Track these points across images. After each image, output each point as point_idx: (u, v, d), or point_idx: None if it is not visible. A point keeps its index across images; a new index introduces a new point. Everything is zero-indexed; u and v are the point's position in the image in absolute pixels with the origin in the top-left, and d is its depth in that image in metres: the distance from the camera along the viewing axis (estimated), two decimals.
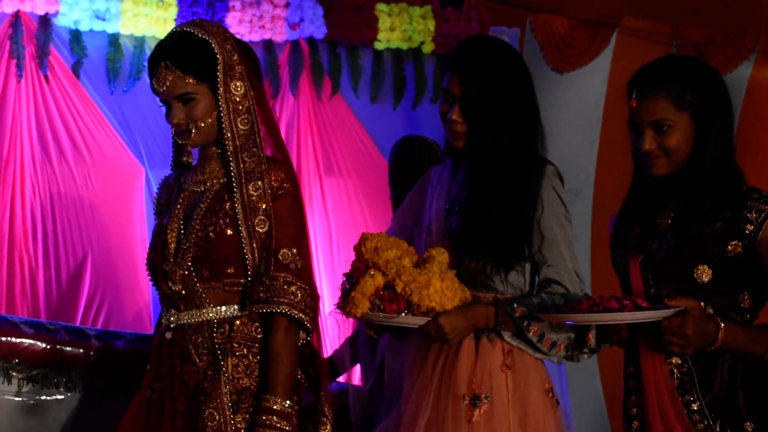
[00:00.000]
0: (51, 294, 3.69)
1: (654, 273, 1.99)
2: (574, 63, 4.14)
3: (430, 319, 1.95)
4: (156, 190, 3.58)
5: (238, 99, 1.94)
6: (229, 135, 1.93)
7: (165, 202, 2.10)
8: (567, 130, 3.85)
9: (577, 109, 4.21)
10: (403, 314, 1.93)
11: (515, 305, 2.02)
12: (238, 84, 1.94)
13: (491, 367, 2.05)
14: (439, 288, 1.92)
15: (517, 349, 2.07)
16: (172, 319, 1.99)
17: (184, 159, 2.03)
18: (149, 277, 2.07)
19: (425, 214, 2.22)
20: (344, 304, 1.97)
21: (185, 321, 1.97)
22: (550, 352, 2.06)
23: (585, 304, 1.88)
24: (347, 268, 2.05)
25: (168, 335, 1.98)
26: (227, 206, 1.94)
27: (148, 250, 2.06)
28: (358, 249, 1.99)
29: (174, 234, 1.98)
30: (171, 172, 2.14)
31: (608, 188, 4.07)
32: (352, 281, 1.97)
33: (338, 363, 2.85)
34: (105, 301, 3.75)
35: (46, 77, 3.74)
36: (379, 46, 4.26)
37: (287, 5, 4.04)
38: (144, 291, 3.83)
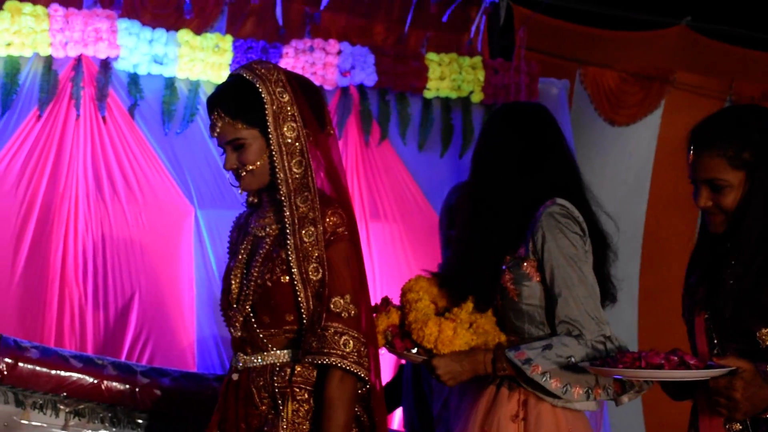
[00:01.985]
0: (99, 329, 3.75)
1: (719, 331, 1.91)
2: (626, 116, 4.14)
3: (425, 358, 2.00)
4: (208, 230, 3.62)
5: (290, 141, 1.91)
6: (282, 178, 1.91)
7: (235, 242, 2.08)
8: (616, 182, 3.83)
9: (627, 161, 4.20)
10: (414, 351, 1.99)
11: (515, 351, 1.99)
12: (290, 126, 1.91)
13: (501, 417, 2.03)
14: (435, 331, 1.95)
15: (534, 399, 2.02)
16: (239, 361, 1.98)
17: (249, 200, 2.04)
18: (223, 320, 2.05)
19: None
20: None
21: (251, 365, 1.96)
22: (564, 395, 1.99)
23: (628, 358, 1.82)
24: None
25: (235, 377, 1.98)
26: (284, 253, 1.91)
27: (220, 294, 2.05)
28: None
29: (237, 279, 1.97)
30: (245, 209, 2.12)
31: (658, 242, 4.04)
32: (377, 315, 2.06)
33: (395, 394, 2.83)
34: (150, 338, 3.79)
35: (103, 118, 3.86)
36: (429, 94, 4.34)
37: (339, 53, 4.14)
38: (189, 329, 3.88)
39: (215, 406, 2.00)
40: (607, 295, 2.14)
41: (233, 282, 1.96)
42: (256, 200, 2.01)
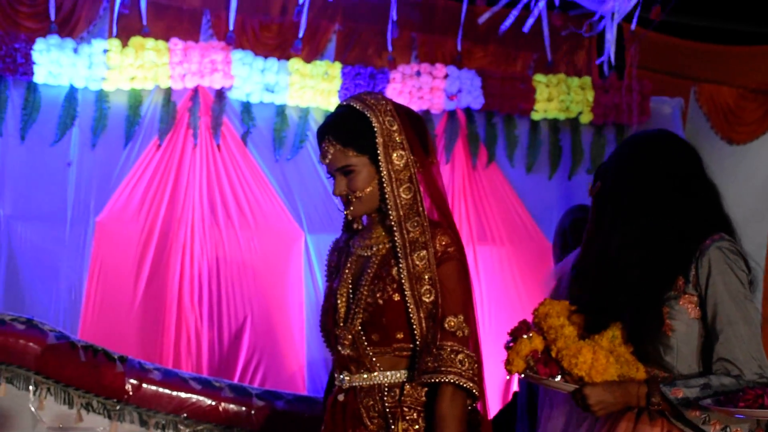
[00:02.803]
0: (214, 352, 3.86)
1: None
2: (745, 133, 3.98)
3: (577, 387, 1.93)
4: (317, 254, 3.68)
5: (399, 168, 1.96)
6: (392, 204, 1.95)
7: (335, 264, 2.11)
8: (736, 204, 3.65)
9: (747, 181, 4.03)
10: (558, 378, 1.93)
11: (673, 387, 1.93)
12: (399, 154, 1.96)
13: None
14: (589, 359, 1.91)
15: None
16: (344, 381, 2.00)
17: (354, 226, 2.06)
18: (323, 340, 2.09)
19: None
20: (506, 361, 1.98)
21: (357, 384, 1.98)
22: None
23: (750, 395, 1.76)
24: (498, 337, 2.13)
25: (341, 397, 2.00)
26: (394, 272, 1.95)
27: (321, 314, 2.08)
28: (534, 311, 2.02)
29: (344, 299, 2.00)
30: (342, 234, 2.16)
31: None
32: (513, 339, 1.98)
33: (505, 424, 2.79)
34: (263, 360, 3.87)
35: (218, 146, 4.00)
36: (536, 116, 4.32)
37: (446, 76, 4.18)
38: (299, 353, 3.96)
39: (321, 427, 2.03)
40: None
41: (339, 301, 1.99)
42: (360, 227, 2.04)
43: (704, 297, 1.95)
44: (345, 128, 1.98)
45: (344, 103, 2.03)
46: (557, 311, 1.98)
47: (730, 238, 1.99)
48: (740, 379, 1.91)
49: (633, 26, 4.11)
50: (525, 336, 1.94)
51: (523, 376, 1.96)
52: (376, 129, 1.95)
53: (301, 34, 4.04)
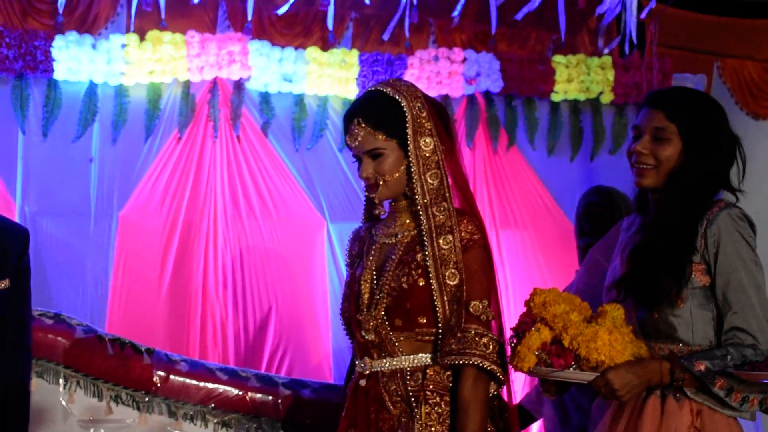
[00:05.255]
0: (239, 342, 3.82)
1: None
2: None
3: (598, 374, 1.88)
4: (340, 243, 3.68)
5: (427, 154, 1.98)
6: (419, 189, 1.97)
7: (357, 253, 2.13)
8: (763, 180, 3.60)
9: None
10: (572, 369, 1.88)
11: (695, 360, 1.92)
12: (427, 140, 1.98)
13: (678, 429, 1.95)
14: (607, 341, 1.86)
15: (708, 409, 1.96)
16: (366, 366, 2.01)
17: (376, 212, 2.07)
18: (343, 326, 2.10)
19: (608, 272, 2.15)
20: (512, 359, 1.94)
21: (379, 369, 1.99)
22: (741, 407, 1.93)
23: None
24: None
25: (362, 382, 2.01)
26: (419, 257, 1.96)
27: (342, 300, 2.10)
28: (527, 303, 1.97)
29: (367, 285, 2.01)
30: (362, 224, 2.18)
31: None
32: (519, 336, 1.94)
33: (532, 410, 2.74)
34: (288, 350, 3.84)
35: (238, 137, 3.94)
36: (556, 97, 4.25)
37: (464, 61, 4.10)
38: (325, 341, 3.92)
39: (342, 411, 2.04)
40: None
41: (363, 287, 2.00)
42: (383, 213, 2.05)
43: (713, 266, 1.94)
44: (376, 111, 1.99)
45: (373, 87, 2.05)
46: (553, 298, 1.93)
47: (736, 204, 2.00)
48: (756, 348, 1.91)
49: (653, 2, 4.04)
50: (534, 329, 1.90)
51: (529, 372, 1.92)
52: (407, 114, 1.97)
53: (331, 26, 3.95)
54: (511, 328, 1.98)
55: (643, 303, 1.98)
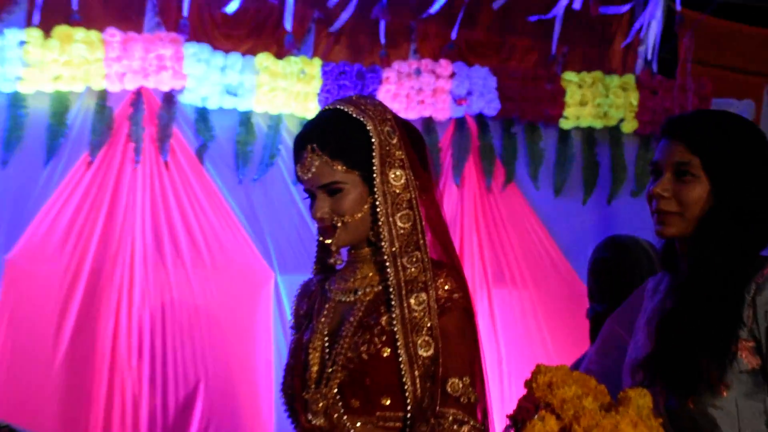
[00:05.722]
0: (155, 426, 3.53)
1: None
2: None
3: None
4: (290, 299, 3.20)
5: (398, 191, 1.82)
6: (386, 234, 1.81)
7: (305, 313, 1.97)
8: None
9: None
10: None
11: None
12: (398, 173, 1.82)
13: None
14: None
15: None
16: None
17: (331, 261, 1.88)
18: (284, 406, 1.89)
19: (630, 347, 1.98)
20: None
21: None
22: None
23: None
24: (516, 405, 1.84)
25: None
26: (383, 320, 1.81)
27: (284, 373, 1.90)
28: (528, 384, 1.76)
29: (317, 354, 1.84)
30: (312, 276, 2.00)
31: None
32: (517, 426, 1.75)
33: None
34: None
35: (166, 163, 3.66)
36: (566, 124, 4.06)
37: (452, 75, 3.89)
38: (266, 423, 3.63)
39: None
40: None
41: (311, 357, 1.84)
42: (339, 262, 1.90)
43: (766, 343, 1.80)
44: (334, 136, 1.84)
45: (332, 106, 1.90)
46: (562, 379, 1.72)
47: None
48: None
49: (686, 10, 3.82)
50: (537, 418, 1.71)
51: None
52: (373, 140, 1.82)
53: (289, 26, 3.72)
54: (507, 416, 1.78)
55: (675, 389, 1.84)
